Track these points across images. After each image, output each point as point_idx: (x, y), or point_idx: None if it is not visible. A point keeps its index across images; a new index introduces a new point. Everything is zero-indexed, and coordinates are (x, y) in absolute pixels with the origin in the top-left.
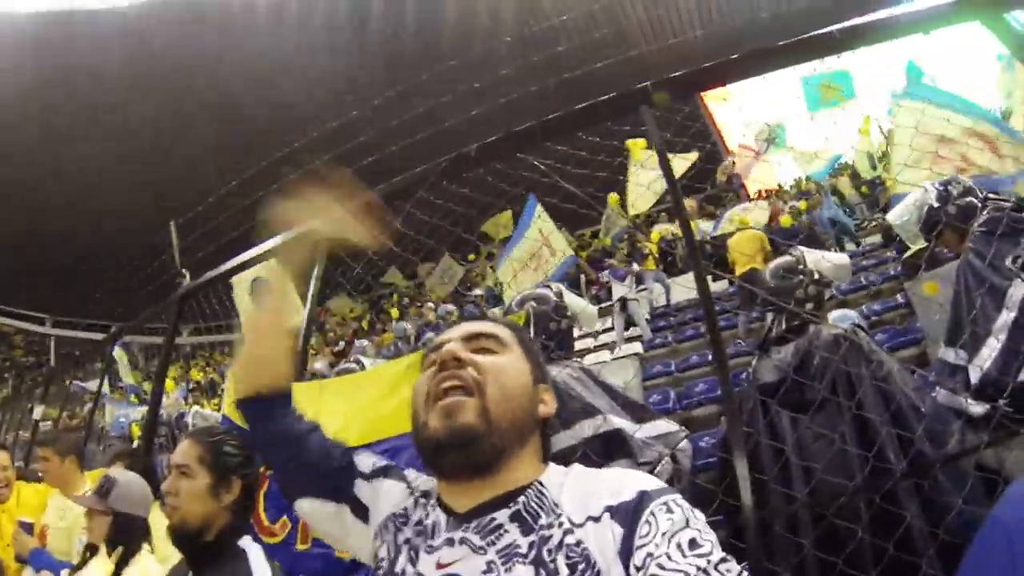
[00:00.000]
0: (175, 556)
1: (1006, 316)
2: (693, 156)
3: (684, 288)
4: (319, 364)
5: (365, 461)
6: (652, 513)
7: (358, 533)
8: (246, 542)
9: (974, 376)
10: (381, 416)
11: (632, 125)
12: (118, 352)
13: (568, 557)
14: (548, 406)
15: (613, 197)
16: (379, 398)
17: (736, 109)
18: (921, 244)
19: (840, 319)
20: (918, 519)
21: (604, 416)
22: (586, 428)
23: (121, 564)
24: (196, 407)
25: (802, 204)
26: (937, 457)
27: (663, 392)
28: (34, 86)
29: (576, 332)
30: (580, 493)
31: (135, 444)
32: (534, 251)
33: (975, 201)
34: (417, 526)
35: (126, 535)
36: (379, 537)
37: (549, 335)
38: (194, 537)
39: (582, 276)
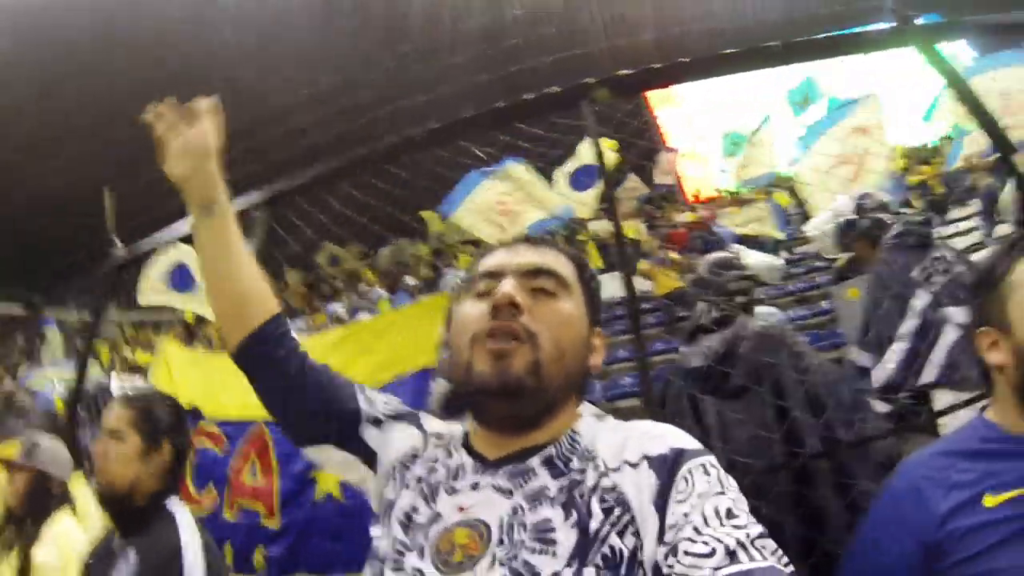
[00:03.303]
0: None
1: (910, 323)
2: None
3: (620, 283)
4: None
5: (379, 406)
6: (689, 471)
7: (367, 479)
8: (174, 504)
9: (878, 377)
10: None
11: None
12: (51, 332)
13: (603, 500)
14: (598, 355)
15: None
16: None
17: (682, 113)
18: (836, 253)
19: (767, 315)
20: (834, 499)
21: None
22: None
23: (35, 526)
24: (117, 376)
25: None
26: (850, 440)
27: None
28: None
29: None
30: (615, 440)
31: (58, 418)
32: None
33: (887, 215)
34: (432, 463)
35: (43, 495)
36: (387, 479)
37: None
38: (121, 500)
39: None
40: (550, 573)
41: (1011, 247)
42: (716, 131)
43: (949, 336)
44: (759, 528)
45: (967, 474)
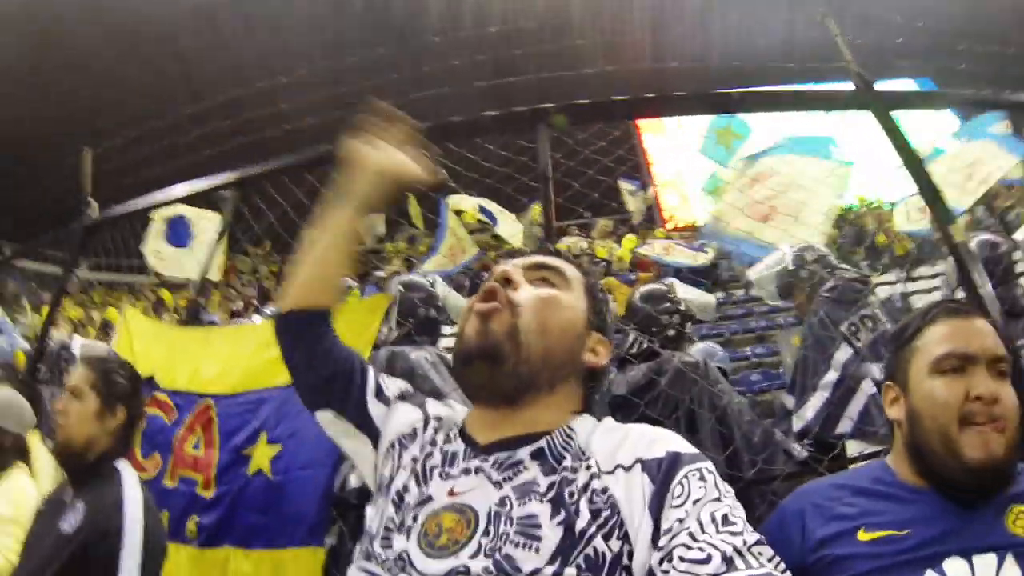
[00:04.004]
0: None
1: (830, 376)
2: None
3: None
4: (216, 317)
5: (391, 385)
6: (685, 477)
7: (366, 455)
8: (122, 464)
9: (797, 424)
10: (255, 367)
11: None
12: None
13: (591, 502)
14: (598, 356)
15: (536, 210)
16: (257, 350)
17: (668, 143)
18: (775, 300)
19: (703, 351)
20: None
21: (447, 400)
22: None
23: None
24: (79, 337)
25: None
26: (751, 478)
27: None
28: None
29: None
30: (610, 442)
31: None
32: (452, 247)
33: (824, 269)
34: (429, 446)
35: None
36: (386, 456)
37: (418, 321)
38: (76, 456)
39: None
40: (531, 569)
41: (926, 313)
42: (697, 165)
43: (866, 391)
44: (755, 535)
45: (850, 508)
